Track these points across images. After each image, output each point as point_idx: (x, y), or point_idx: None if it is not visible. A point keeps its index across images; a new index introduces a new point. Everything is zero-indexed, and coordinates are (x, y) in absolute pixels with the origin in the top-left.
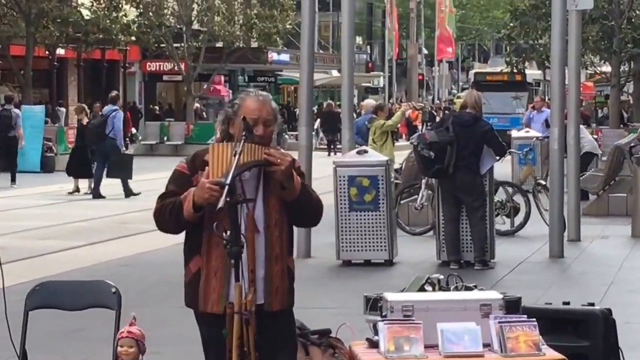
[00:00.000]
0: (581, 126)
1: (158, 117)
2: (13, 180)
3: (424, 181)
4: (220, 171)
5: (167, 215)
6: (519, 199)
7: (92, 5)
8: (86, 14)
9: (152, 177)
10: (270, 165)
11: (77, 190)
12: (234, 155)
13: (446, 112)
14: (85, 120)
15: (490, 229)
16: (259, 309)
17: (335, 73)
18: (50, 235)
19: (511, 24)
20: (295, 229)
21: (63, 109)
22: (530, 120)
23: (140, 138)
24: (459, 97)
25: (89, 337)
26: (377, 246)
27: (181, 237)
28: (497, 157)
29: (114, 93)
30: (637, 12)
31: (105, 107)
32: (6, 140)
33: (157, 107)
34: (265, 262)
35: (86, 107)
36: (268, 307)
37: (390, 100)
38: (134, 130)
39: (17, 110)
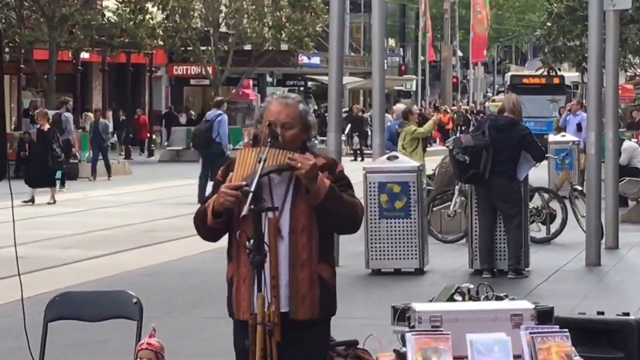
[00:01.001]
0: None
1: (192, 123)
2: (62, 184)
3: (457, 187)
4: (242, 176)
5: (198, 222)
6: (555, 205)
7: (118, 9)
8: (110, 16)
9: (177, 184)
10: (292, 169)
11: (33, 200)
12: (259, 162)
13: (480, 115)
14: (46, 127)
15: (524, 236)
16: (283, 317)
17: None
18: (71, 245)
19: (548, 24)
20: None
21: (90, 114)
22: (567, 123)
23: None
24: (493, 101)
25: (109, 348)
26: (408, 254)
27: (208, 245)
28: (535, 163)
29: (219, 98)
30: None
31: (209, 112)
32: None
33: (192, 113)
34: (289, 269)
35: (48, 113)
36: (293, 315)
37: (422, 103)
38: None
39: (67, 114)
